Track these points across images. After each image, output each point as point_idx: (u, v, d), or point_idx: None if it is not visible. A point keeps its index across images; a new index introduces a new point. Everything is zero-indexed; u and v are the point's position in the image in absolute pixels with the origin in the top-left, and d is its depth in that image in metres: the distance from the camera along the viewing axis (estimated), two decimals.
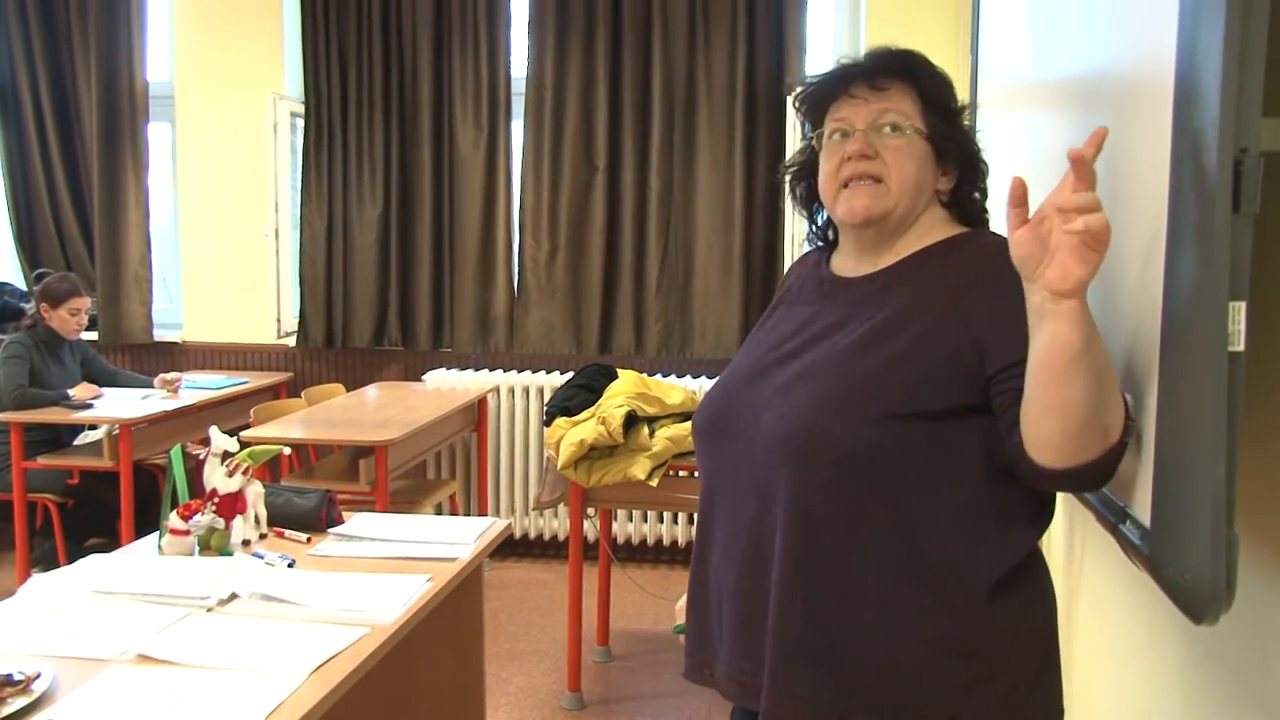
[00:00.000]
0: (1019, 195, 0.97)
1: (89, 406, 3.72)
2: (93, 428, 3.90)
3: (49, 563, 3.73)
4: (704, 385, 3.98)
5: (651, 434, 2.85)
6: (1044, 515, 1.18)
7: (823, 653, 1.16)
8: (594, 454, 2.84)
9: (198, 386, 4.06)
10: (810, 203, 1.37)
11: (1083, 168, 0.92)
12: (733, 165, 4.13)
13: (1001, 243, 1.06)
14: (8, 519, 3.77)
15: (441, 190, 4.38)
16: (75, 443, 3.94)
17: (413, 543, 1.96)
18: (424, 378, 4.34)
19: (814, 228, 1.40)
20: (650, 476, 2.79)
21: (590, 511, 3.24)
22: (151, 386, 3.99)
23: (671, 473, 2.86)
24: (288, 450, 2.43)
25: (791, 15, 4.07)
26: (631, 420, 2.84)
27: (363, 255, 4.41)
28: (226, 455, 1.94)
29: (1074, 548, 2.09)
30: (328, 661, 1.41)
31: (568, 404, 3.00)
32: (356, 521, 2.10)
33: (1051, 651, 1.21)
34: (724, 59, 4.11)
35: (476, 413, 4.23)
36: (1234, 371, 0.86)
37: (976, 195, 1.29)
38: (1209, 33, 0.85)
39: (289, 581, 1.71)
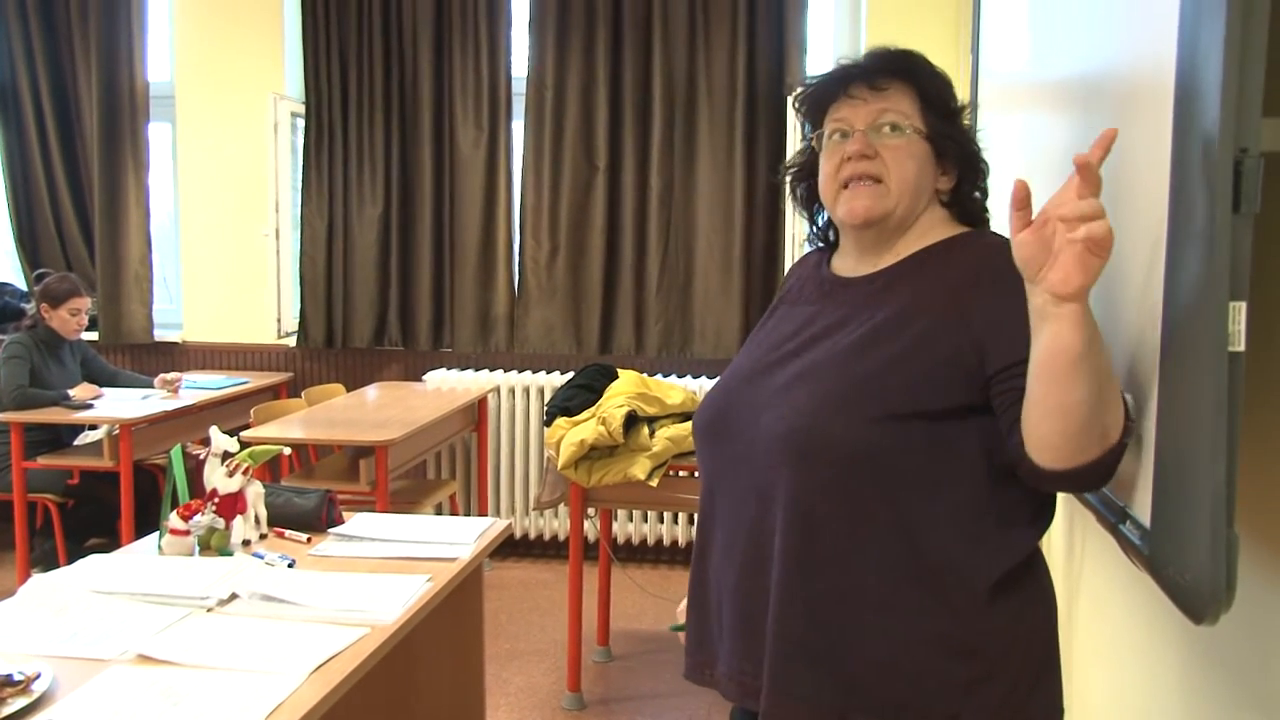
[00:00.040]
0: (1021, 198, 0.97)
1: (89, 406, 3.72)
2: (93, 428, 3.90)
3: (49, 563, 3.73)
4: (704, 385, 3.98)
5: (651, 434, 2.85)
6: (1044, 515, 1.18)
7: (823, 653, 1.16)
8: (594, 454, 2.84)
9: (198, 386, 4.06)
10: (811, 204, 1.37)
11: (1088, 173, 0.92)
12: (733, 165, 4.13)
13: (1002, 242, 1.05)
14: (8, 519, 3.78)
15: (442, 190, 4.38)
16: (75, 443, 3.94)
17: (413, 543, 1.96)
18: (424, 378, 4.34)
19: (814, 228, 1.40)
20: (650, 476, 2.79)
21: (590, 511, 3.24)
22: (151, 386, 3.99)
23: (671, 473, 2.86)
24: (288, 450, 2.43)
25: (791, 15, 4.07)
26: (631, 420, 2.84)
27: (363, 255, 4.41)
28: (226, 455, 1.94)
29: (1074, 548, 2.09)
30: (328, 661, 1.41)
31: (568, 404, 3.00)
32: (356, 521, 2.10)
33: (1051, 651, 1.21)
34: (724, 59, 4.11)
35: (476, 413, 4.23)
36: (1234, 371, 0.86)
37: (977, 195, 1.29)
38: (1209, 33, 0.85)
39: (289, 581, 1.71)
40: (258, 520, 1.98)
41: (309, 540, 1.99)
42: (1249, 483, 0.99)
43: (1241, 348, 0.86)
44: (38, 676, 1.32)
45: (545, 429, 3.18)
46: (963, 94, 1.32)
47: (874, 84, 1.24)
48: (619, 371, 3.14)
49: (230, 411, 4.09)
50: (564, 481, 2.90)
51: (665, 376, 3.95)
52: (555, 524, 4.34)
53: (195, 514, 1.89)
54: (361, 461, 3.32)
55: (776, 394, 1.21)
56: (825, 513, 1.15)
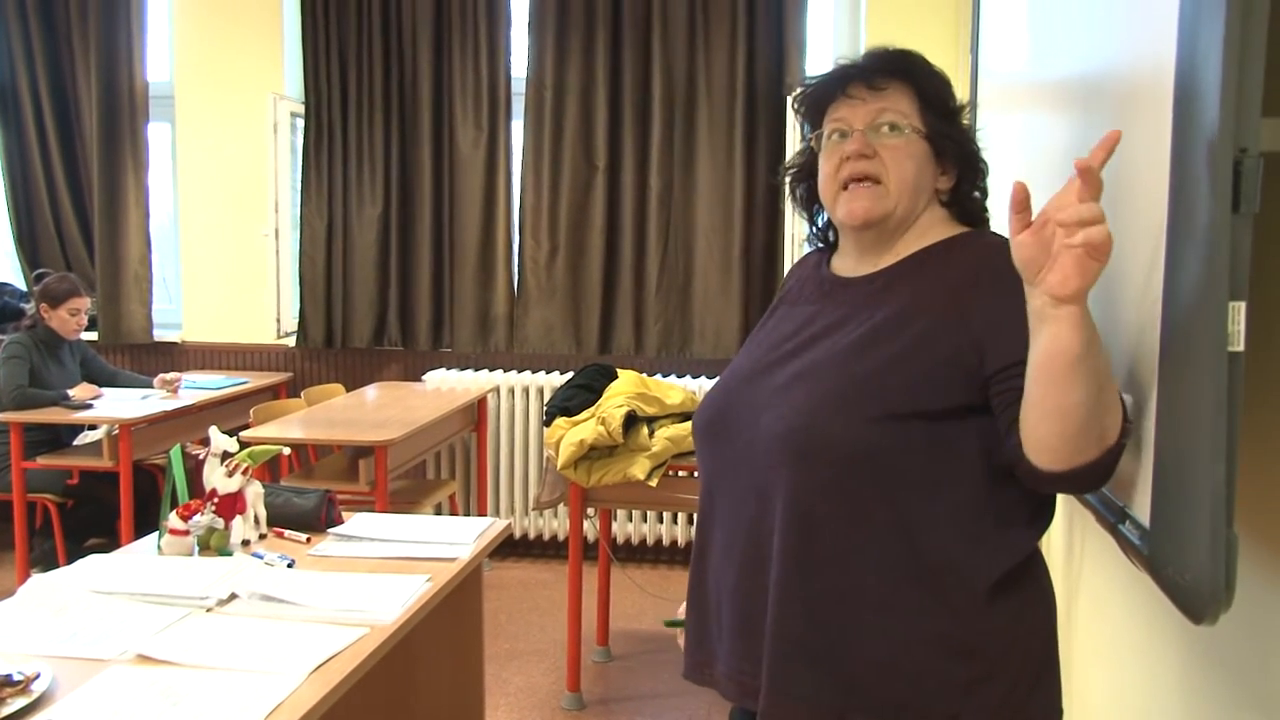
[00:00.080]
0: (1021, 200, 0.97)
1: (89, 406, 3.72)
2: (92, 428, 3.90)
3: (49, 563, 3.73)
4: (704, 385, 3.98)
5: (651, 434, 2.85)
6: (1044, 516, 1.18)
7: (822, 653, 1.16)
8: (594, 454, 2.84)
9: (197, 386, 4.06)
10: (810, 204, 1.37)
11: (1089, 177, 0.92)
12: (733, 165, 4.13)
13: (1001, 242, 1.05)
14: (7, 519, 3.77)
15: (441, 190, 4.38)
16: (75, 443, 3.94)
17: (412, 543, 1.96)
18: (424, 378, 4.34)
19: (814, 229, 1.40)
20: (650, 476, 2.79)
21: (590, 511, 3.24)
22: (151, 386, 3.99)
23: (671, 473, 2.86)
24: (287, 450, 2.43)
25: (791, 15, 4.07)
26: (631, 420, 2.84)
27: (363, 255, 4.41)
28: (226, 455, 1.94)
29: (1074, 548, 2.09)
30: (327, 661, 1.41)
31: (567, 404, 3.00)
32: (356, 521, 2.10)
33: (1051, 651, 1.21)
34: (724, 59, 4.11)
35: (476, 413, 4.23)
36: (1234, 371, 0.86)
37: (976, 194, 1.29)
38: (1209, 33, 0.85)
39: (288, 581, 1.71)
40: (257, 520, 1.98)
41: (308, 540, 1.99)
42: (1249, 483, 0.99)
43: (1241, 348, 0.86)
44: (37, 676, 1.32)
45: (545, 429, 3.18)
46: (962, 94, 1.32)
47: (873, 84, 1.24)
48: (618, 371, 3.14)
49: (230, 411, 4.09)
50: (563, 481, 2.90)
51: (665, 376, 3.95)
52: (555, 524, 4.34)
53: (195, 514, 1.89)
54: (361, 461, 3.32)
55: (776, 394, 1.21)
56: (825, 513, 1.15)
